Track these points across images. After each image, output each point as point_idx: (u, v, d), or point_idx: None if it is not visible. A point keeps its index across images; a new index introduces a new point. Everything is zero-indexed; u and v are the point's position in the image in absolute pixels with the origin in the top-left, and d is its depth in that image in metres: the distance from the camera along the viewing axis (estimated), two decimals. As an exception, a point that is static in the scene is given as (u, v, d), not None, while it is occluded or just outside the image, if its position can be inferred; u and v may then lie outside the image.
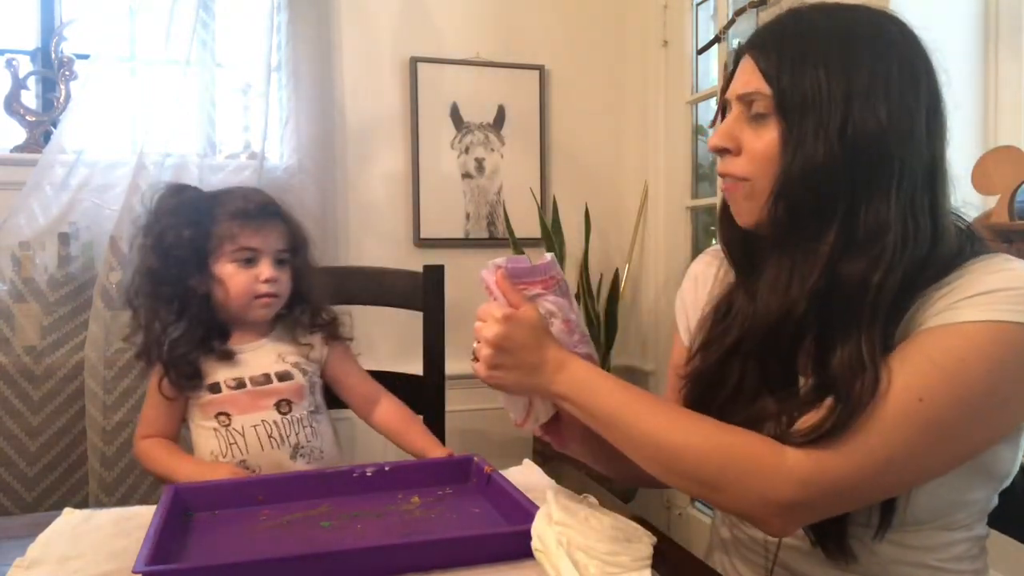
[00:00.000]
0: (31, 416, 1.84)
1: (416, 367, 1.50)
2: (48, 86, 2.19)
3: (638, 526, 0.80)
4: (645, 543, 0.77)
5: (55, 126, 2.06)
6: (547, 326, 0.84)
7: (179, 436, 1.25)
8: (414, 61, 2.39)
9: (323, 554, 0.79)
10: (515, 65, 2.49)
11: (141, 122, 2.05)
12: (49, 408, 1.86)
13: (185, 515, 0.93)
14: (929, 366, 0.71)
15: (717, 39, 2.12)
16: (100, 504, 1.82)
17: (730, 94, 0.83)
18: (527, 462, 1.13)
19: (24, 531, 0.90)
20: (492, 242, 2.47)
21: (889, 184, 0.75)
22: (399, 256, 2.34)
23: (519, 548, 0.79)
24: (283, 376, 1.21)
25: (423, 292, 1.51)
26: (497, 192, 2.49)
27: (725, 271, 0.95)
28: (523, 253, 2.24)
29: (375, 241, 2.36)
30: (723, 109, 0.87)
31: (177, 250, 1.18)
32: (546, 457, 2.14)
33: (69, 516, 0.96)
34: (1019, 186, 1.40)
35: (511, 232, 2.35)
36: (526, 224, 2.40)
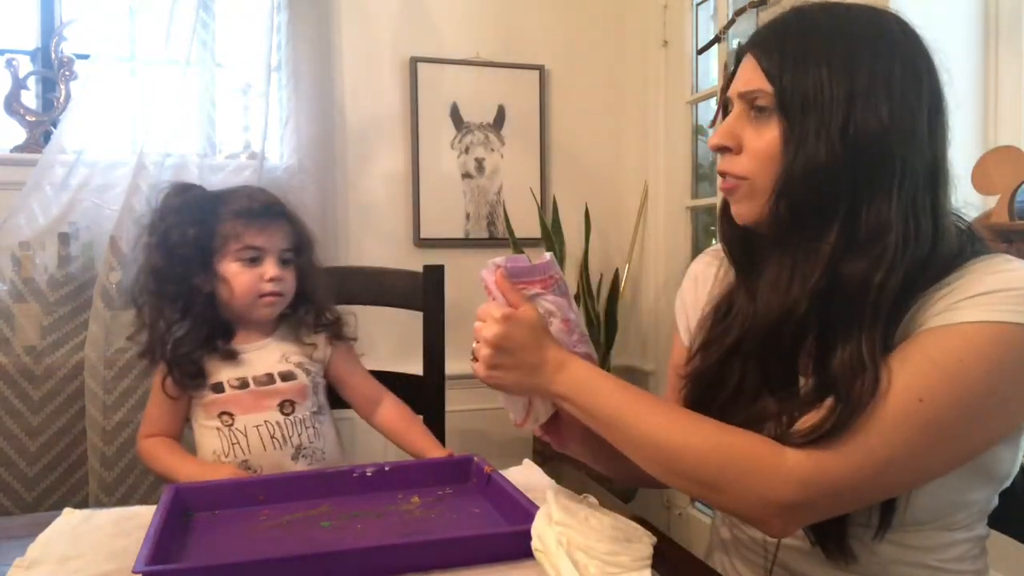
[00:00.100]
0: (31, 416, 1.84)
1: (416, 367, 1.50)
2: (48, 86, 2.19)
3: (638, 526, 0.80)
4: (645, 543, 0.77)
5: (55, 126, 2.06)
6: (546, 326, 0.84)
7: (182, 435, 1.25)
8: (414, 61, 2.39)
9: (323, 554, 0.79)
10: (515, 65, 2.49)
11: (141, 122, 2.05)
12: (49, 408, 1.86)
13: (185, 515, 0.93)
14: (929, 366, 0.71)
15: (717, 39, 2.12)
16: (100, 504, 1.82)
17: (731, 92, 0.83)
18: (527, 462, 1.13)
19: (24, 531, 0.90)
20: (492, 242, 2.47)
21: (891, 183, 0.75)
22: (399, 256, 2.34)
23: (519, 548, 0.79)
24: (287, 376, 1.21)
25: (423, 292, 1.51)
26: (497, 192, 2.49)
27: (725, 271, 0.95)
28: (523, 253, 2.23)
29: (375, 241, 2.36)
30: (724, 108, 0.87)
31: (182, 248, 1.18)
32: (546, 457, 2.15)
33: (69, 516, 0.96)
34: (1019, 186, 1.40)
35: (511, 232, 2.35)
36: (526, 224, 2.40)
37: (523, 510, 0.86)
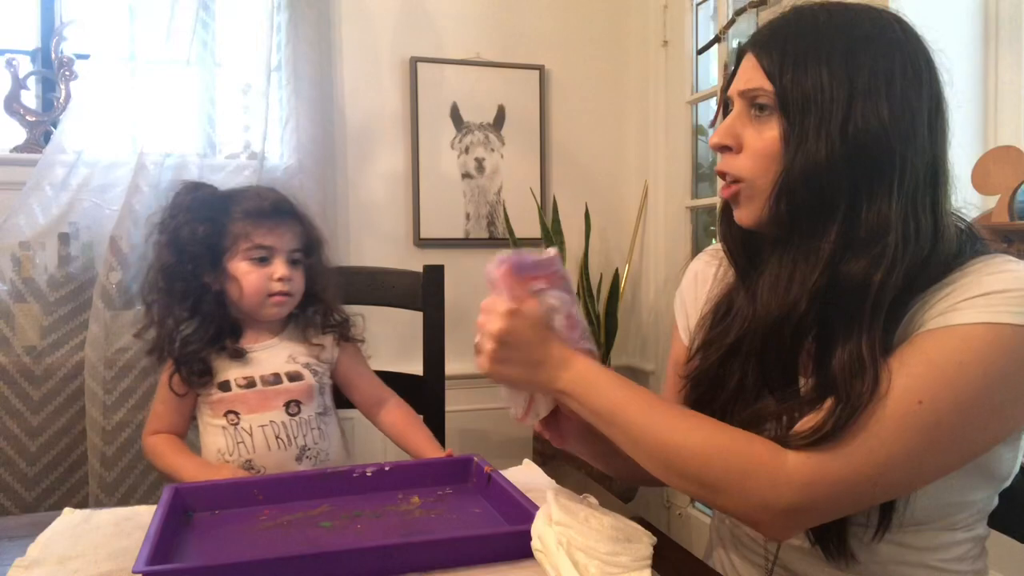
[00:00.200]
0: (31, 416, 1.84)
1: (416, 367, 1.50)
2: (48, 86, 2.19)
3: (638, 526, 0.80)
4: (645, 543, 0.77)
5: (55, 126, 2.06)
6: (550, 322, 0.84)
7: (187, 433, 1.25)
8: (414, 61, 2.39)
9: (323, 554, 0.79)
10: (515, 65, 2.49)
11: (141, 122, 2.04)
12: (49, 408, 1.86)
13: (185, 515, 0.93)
14: (928, 368, 0.71)
15: (717, 39, 2.12)
16: (100, 504, 1.82)
17: (732, 91, 0.83)
18: (527, 462, 1.13)
19: (24, 531, 0.90)
20: (492, 242, 2.47)
21: (891, 183, 0.75)
22: (399, 256, 2.34)
23: (519, 548, 0.79)
24: (293, 376, 1.21)
25: (423, 292, 1.51)
26: (497, 192, 2.49)
27: (724, 270, 0.95)
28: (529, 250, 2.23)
29: (375, 241, 2.36)
30: (724, 108, 0.87)
31: (192, 247, 1.18)
32: (546, 457, 2.15)
33: (69, 516, 0.96)
34: (1019, 186, 1.40)
35: (511, 232, 2.35)
36: (526, 224, 2.40)
37: (523, 510, 0.86)
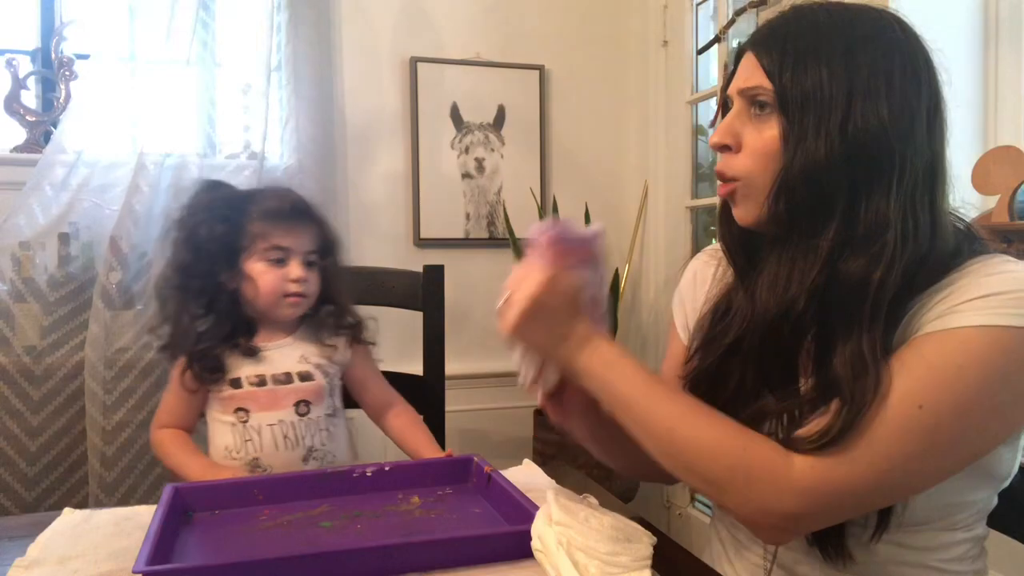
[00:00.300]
0: (31, 416, 1.84)
1: (416, 367, 1.50)
2: (48, 86, 2.19)
3: (638, 526, 0.80)
4: (645, 543, 0.77)
5: (55, 126, 2.06)
6: (581, 298, 0.82)
7: (195, 428, 1.26)
8: (414, 61, 2.39)
9: (323, 554, 0.79)
10: (515, 65, 2.49)
11: (141, 122, 2.05)
12: (49, 408, 1.86)
13: (185, 515, 0.93)
14: (928, 372, 0.71)
15: (717, 39, 2.12)
16: (100, 504, 1.82)
17: (731, 90, 0.83)
18: (527, 462, 1.13)
19: (24, 531, 0.90)
20: (492, 242, 2.47)
21: (889, 182, 0.75)
22: (399, 256, 2.34)
23: (519, 548, 0.79)
24: (305, 376, 1.22)
25: (423, 292, 1.51)
26: (497, 192, 2.49)
27: (723, 270, 0.95)
28: (524, 254, 2.23)
29: (375, 241, 2.36)
30: (723, 108, 0.87)
31: (209, 245, 1.19)
32: (546, 457, 2.15)
33: (69, 516, 0.96)
34: (1019, 186, 1.40)
35: (511, 232, 2.35)
36: (526, 224, 2.37)
37: (523, 510, 0.85)
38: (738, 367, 0.85)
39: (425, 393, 1.48)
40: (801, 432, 0.74)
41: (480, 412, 2.34)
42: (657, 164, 2.49)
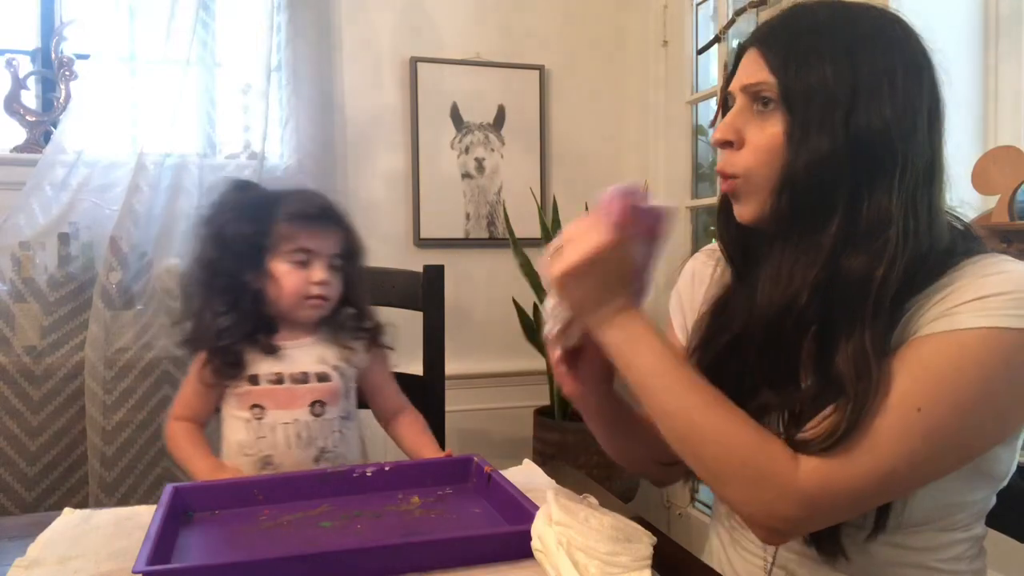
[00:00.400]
0: (31, 416, 1.84)
1: (416, 367, 1.50)
2: (48, 86, 2.19)
3: (638, 526, 0.80)
4: (645, 543, 0.77)
5: (55, 126, 2.06)
6: (633, 270, 0.81)
7: (209, 420, 1.27)
8: (414, 61, 2.39)
9: (323, 554, 0.79)
10: (515, 65, 2.49)
11: (141, 122, 2.05)
12: (49, 408, 1.86)
13: (185, 515, 0.93)
14: (927, 374, 0.71)
15: (717, 39, 2.12)
16: (100, 504, 1.82)
17: (734, 86, 0.83)
18: (527, 462, 1.13)
19: (24, 531, 0.90)
20: (492, 242, 2.47)
21: (892, 179, 0.75)
22: (399, 256, 2.34)
23: (519, 548, 0.79)
24: (322, 377, 1.22)
25: (423, 292, 1.51)
26: (497, 192, 2.49)
27: (722, 271, 0.94)
28: (524, 254, 2.24)
29: (375, 241, 2.33)
30: (724, 107, 0.87)
31: (236, 244, 1.20)
32: (546, 457, 2.15)
33: (69, 516, 0.96)
34: (1019, 186, 1.40)
35: (511, 232, 2.35)
36: (526, 224, 2.40)
37: (523, 510, 0.85)
38: (736, 366, 0.85)
39: (425, 393, 1.48)
40: (807, 435, 0.74)
41: (480, 412, 2.34)
42: (657, 164, 2.49)
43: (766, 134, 0.79)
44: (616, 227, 0.77)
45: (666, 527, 2.37)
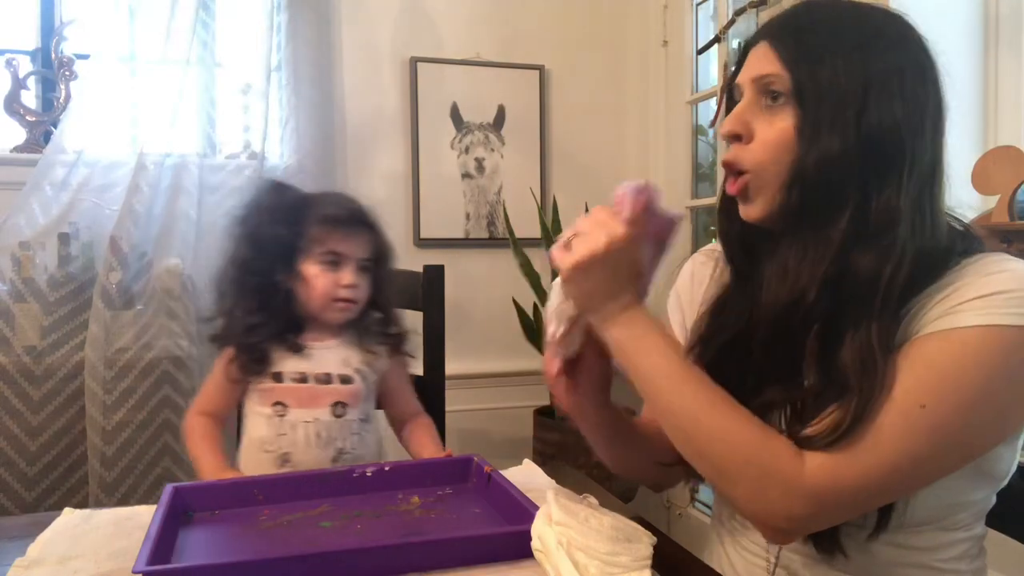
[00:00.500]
0: (31, 416, 1.84)
1: (416, 367, 1.50)
2: (48, 86, 2.19)
3: (638, 526, 0.80)
4: (645, 543, 0.77)
5: (55, 126, 2.06)
6: (641, 270, 0.81)
7: (228, 417, 1.29)
8: (414, 61, 2.39)
9: (323, 554, 0.79)
10: (515, 65, 2.49)
11: (141, 122, 2.05)
12: (49, 408, 1.86)
13: (185, 515, 0.93)
14: (929, 372, 0.71)
15: (717, 39, 2.12)
16: (100, 504, 1.82)
17: (743, 78, 0.82)
18: (527, 462, 1.13)
19: (24, 531, 0.90)
20: (492, 242, 2.47)
21: (900, 177, 0.75)
22: (399, 256, 2.33)
23: (519, 548, 0.79)
24: (345, 379, 1.23)
25: (423, 292, 1.51)
26: (497, 192, 2.49)
27: (721, 271, 0.94)
28: (524, 254, 2.24)
29: (375, 241, 2.36)
30: (727, 104, 0.86)
31: (269, 245, 1.21)
32: (546, 457, 2.15)
33: (69, 516, 0.96)
34: (1019, 186, 1.40)
35: (511, 232, 2.35)
36: (526, 224, 2.40)
37: (523, 510, 0.85)
38: (737, 364, 0.85)
39: (425, 393, 1.48)
40: (810, 431, 0.74)
41: (480, 412, 2.34)
42: (657, 164, 2.49)
43: (775, 128, 0.79)
44: (630, 222, 0.77)
45: (666, 527, 2.37)
